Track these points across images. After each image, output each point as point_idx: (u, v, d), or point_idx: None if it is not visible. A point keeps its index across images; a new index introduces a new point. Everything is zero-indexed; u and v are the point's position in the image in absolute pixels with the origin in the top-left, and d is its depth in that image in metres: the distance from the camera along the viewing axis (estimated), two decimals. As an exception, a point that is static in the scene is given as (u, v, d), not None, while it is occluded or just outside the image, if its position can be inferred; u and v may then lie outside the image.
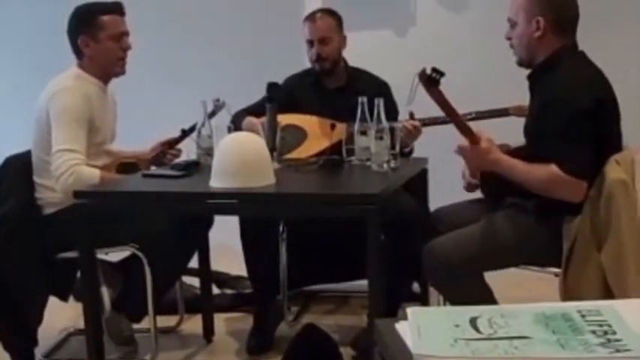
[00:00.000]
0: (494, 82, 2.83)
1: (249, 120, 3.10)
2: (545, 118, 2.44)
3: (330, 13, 3.33)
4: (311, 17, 3.30)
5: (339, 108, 3.08)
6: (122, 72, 3.08)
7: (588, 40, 2.58)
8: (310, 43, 3.28)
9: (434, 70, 2.34)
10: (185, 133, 3.16)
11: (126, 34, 3.06)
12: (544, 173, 2.38)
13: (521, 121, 2.64)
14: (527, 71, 2.60)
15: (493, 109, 3.03)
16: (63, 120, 2.87)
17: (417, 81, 2.36)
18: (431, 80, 2.34)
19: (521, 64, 2.60)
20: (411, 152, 3.21)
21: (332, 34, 3.28)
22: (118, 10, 3.03)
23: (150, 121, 3.98)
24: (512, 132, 2.66)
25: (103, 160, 3.03)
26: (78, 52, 3.02)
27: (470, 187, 2.70)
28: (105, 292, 3.00)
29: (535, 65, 2.55)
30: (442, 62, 2.35)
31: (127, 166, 3.08)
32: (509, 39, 2.60)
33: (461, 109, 2.53)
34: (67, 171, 2.81)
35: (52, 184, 2.89)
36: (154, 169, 3.12)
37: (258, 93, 3.12)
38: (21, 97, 3.87)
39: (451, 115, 2.44)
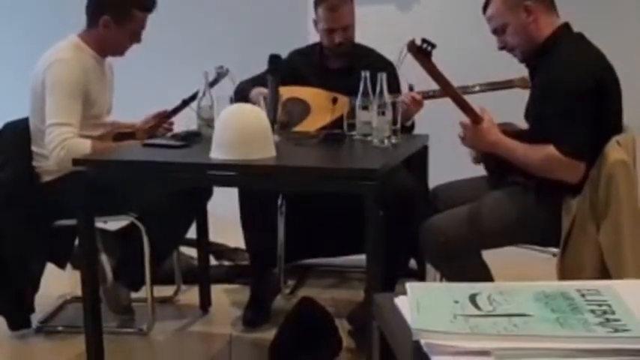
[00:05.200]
0: (498, 59, 2.81)
1: (259, 90, 3.07)
2: (544, 100, 2.43)
3: None
4: (330, 5, 3.12)
5: (341, 88, 3.04)
6: (121, 56, 3.07)
7: (590, 20, 2.57)
8: (330, 30, 3.16)
9: (424, 40, 2.30)
10: (186, 102, 3.14)
11: (144, 28, 3.03)
12: (541, 154, 2.38)
13: (524, 99, 2.62)
14: None
15: (497, 80, 2.99)
16: (57, 92, 2.85)
17: (406, 52, 2.32)
18: (421, 51, 2.31)
19: (525, 59, 2.57)
20: (412, 127, 3.16)
21: (353, 20, 3.20)
22: (153, 8, 3.00)
23: (149, 93, 3.95)
24: (515, 110, 2.65)
25: (99, 132, 3.02)
26: (93, 23, 2.98)
27: (477, 159, 2.68)
28: (106, 262, 3.01)
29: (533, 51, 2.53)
30: (445, 38, 2.33)
31: (124, 136, 3.07)
32: (502, 48, 2.57)
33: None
34: (58, 145, 2.80)
35: (48, 153, 2.88)
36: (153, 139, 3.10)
37: (260, 65, 3.09)
38: (19, 63, 3.84)
39: (446, 88, 2.43)
